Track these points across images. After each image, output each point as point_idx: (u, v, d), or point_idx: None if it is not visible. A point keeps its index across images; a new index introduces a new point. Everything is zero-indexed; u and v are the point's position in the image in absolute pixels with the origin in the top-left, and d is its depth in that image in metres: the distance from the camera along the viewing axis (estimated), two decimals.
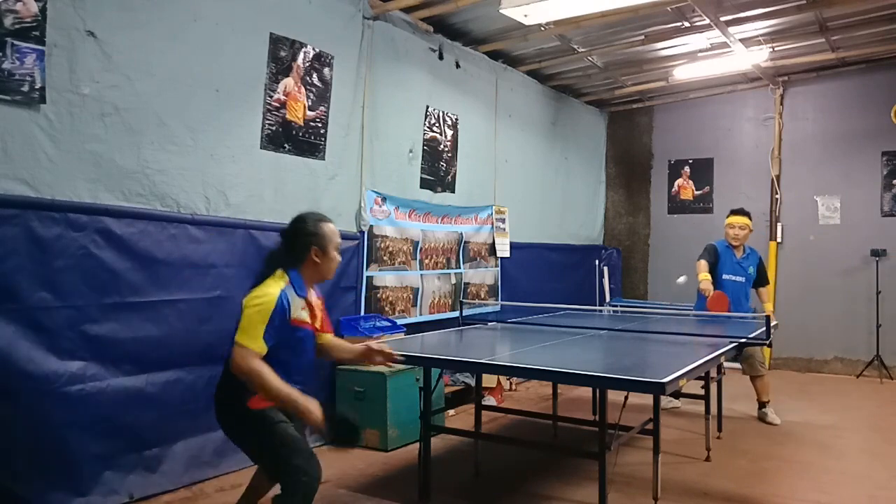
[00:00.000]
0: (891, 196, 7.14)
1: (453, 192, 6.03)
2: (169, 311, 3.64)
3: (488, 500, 3.67)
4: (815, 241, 7.48)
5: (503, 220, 6.70)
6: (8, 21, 2.95)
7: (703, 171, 8.23)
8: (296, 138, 4.43)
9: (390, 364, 2.99)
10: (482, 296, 6.38)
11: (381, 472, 4.05)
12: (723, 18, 5.48)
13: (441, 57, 5.78)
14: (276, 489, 2.57)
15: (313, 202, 4.56)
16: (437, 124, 5.80)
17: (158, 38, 3.58)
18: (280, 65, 4.29)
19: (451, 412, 5.28)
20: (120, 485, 3.38)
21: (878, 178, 7.19)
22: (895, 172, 7.12)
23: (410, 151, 5.53)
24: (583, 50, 6.49)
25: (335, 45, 4.68)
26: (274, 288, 2.49)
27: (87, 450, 3.24)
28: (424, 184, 5.69)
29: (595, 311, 6.25)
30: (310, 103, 4.52)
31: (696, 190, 8.27)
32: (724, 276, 5.25)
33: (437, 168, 5.83)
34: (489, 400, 5.60)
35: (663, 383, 2.55)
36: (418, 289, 5.57)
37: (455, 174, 6.05)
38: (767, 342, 3.92)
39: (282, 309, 2.46)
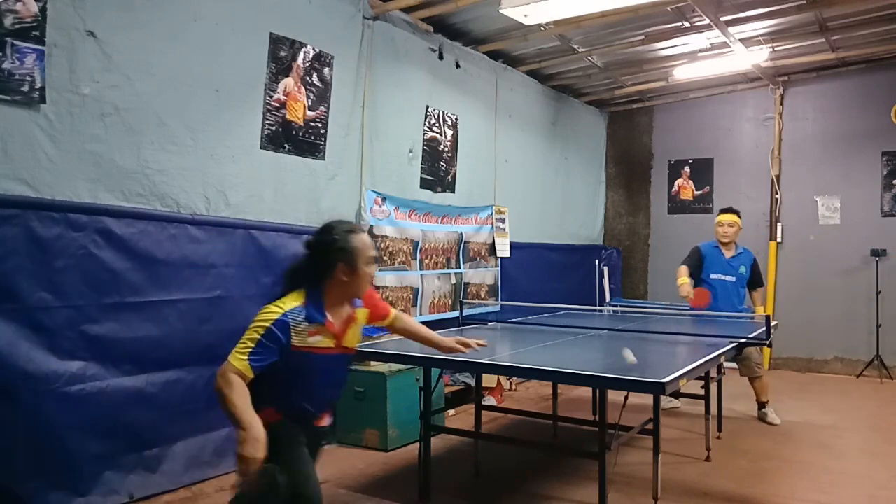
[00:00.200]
0: (891, 196, 7.14)
1: (453, 192, 6.03)
2: (169, 311, 3.64)
3: (488, 500, 3.67)
4: (815, 241, 7.48)
5: (503, 220, 6.70)
6: (8, 21, 2.95)
7: (703, 171, 8.23)
8: (296, 138, 4.43)
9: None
10: (482, 296, 6.38)
11: (381, 472, 4.05)
12: (723, 18, 5.48)
13: (441, 57, 5.78)
14: None
15: (313, 202, 4.57)
16: (437, 124, 5.80)
17: (158, 38, 3.58)
18: (280, 65, 4.29)
19: (451, 412, 5.28)
20: (120, 485, 3.38)
21: (878, 178, 7.19)
22: (895, 172, 7.12)
23: (410, 151, 5.53)
24: (583, 50, 6.49)
25: (335, 45, 4.68)
26: (278, 309, 2.22)
27: (87, 450, 3.24)
28: (424, 184, 5.69)
29: (595, 311, 6.25)
30: (310, 103, 4.52)
31: (696, 190, 8.27)
32: (713, 276, 5.26)
33: (437, 168, 5.83)
34: (489, 400, 5.60)
35: (663, 383, 2.55)
36: (418, 289, 5.57)
37: (455, 174, 6.05)
38: (767, 342, 3.92)
39: (277, 336, 2.18)
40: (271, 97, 4.24)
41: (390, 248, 5.28)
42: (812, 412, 5.56)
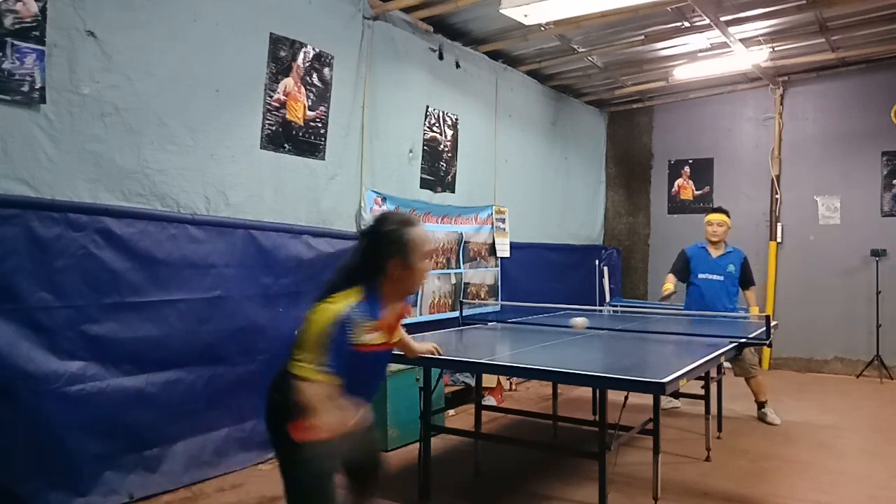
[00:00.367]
0: (891, 196, 7.14)
1: (453, 192, 6.03)
2: (169, 311, 3.64)
3: (488, 500, 3.67)
4: (815, 241, 7.48)
5: (503, 220, 6.70)
6: (8, 21, 2.95)
7: (703, 171, 8.23)
8: (296, 138, 4.43)
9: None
10: (482, 296, 6.38)
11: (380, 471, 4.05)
12: (723, 18, 5.48)
13: (441, 57, 5.78)
14: None
15: (313, 202, 4.57)
16: (437, 124, 5.80)
17: (158, 38, 3.58)
18: (280, 65, 4.29)
19: (451, 412, 5.28)
20: (120, 485, 3.38)
21: (878, 178, 7.19)
22: (895, 172, 7.12)
23: (410, 151, 5.53)
24: (583, 50, 6.49)
25: (335, 45, 4.68)
26: (338, 307, 2.07)
27: (87, 450, 3.24)
28: (424, 184, 5.69)
29: (595, 311, 6.24)
30: (310, 103, 4.51)
31: (696, 190, 8.27)
32: (700, 276, 5.33)
33: (437, 168, 5.83)
34: (489, 400, 5.60)
35: (663, 383, 2.55)
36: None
37: (455, 174, 6.05)
38: (767, 342, 3.92)
39: (343, 334, 2.05)
40: (271, 97, 4.24)
41: None
42: (812, 412, 5.56)
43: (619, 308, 6.31)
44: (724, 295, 5.25)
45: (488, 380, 5.55)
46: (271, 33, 4.22)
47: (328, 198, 4.69)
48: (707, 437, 4.33)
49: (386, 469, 2.58)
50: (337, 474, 2.24)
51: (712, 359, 3.28)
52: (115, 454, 3.37)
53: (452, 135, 5.99)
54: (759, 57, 6.32)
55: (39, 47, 3.06)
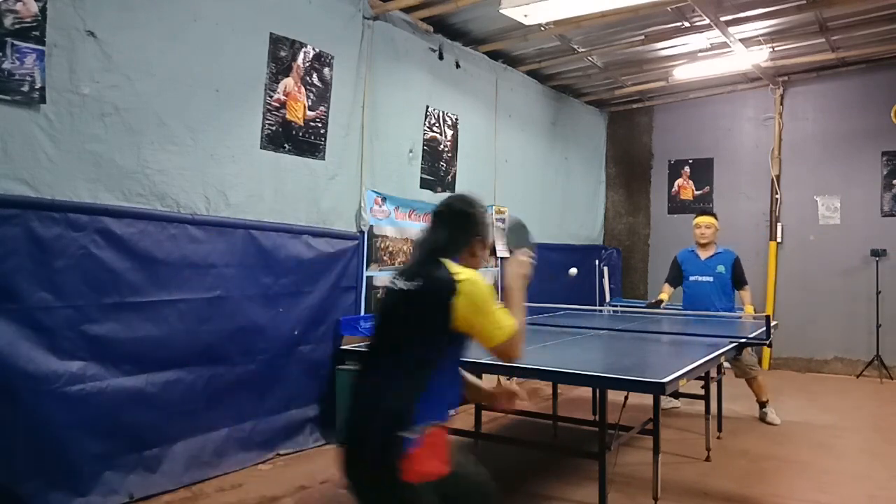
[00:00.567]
0: (891, 196, 7.14)
1: (453, 192, 6.03)
2: (169, 311, 3.64)
3: None
4: (815, 241, 7.48)
5: (503, 221, 6.70)
6: (8, 21, 2.95)
7: (703, 171, 8.23)
8: (296, 138, 4.43)
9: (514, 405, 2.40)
10: None
11: None
12: (723, 18, 5.48)
13: (441, 57, 5.78)
14: None
15: (313, 202, 4.57)
16: (437, 124, 5.80)
17: (158, 38, 3.58)
18: (280, 65, 4.29)
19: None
20: (120, 485, 3.38)
21: (878, 178, 7.19)
22: (895, 172, 7.12)
23: (410, 151, 5.53)
24: (583, 50, 6.49)
25: (335, 45, 4.68)
26: (475, 274, 2.00)
27: (87, 450, 3.24)
28: (424, 184, 5.69)
29: (595, 311, 6.24)
30: (310, 103, 4.51)
31: (696, 190, 8.27)
32: (691, 278, 5.41)
33: (437, 168, 5.83)
34: None
35: (663, 383, 2.55)
36: None
37: (455, 174, 6.05)
38: (767, 342, 3.92)
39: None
40: (271, 97, 4.24)
41: (390, 248, 5.28)
42: (812, 412, 5.56)
43: (619, 308, 6.32)
44: (715, 296, 5.28)
45: (488, 380, 5.54)
46: (271, 33, 4.22)
47: (328, 198, 4.68)
48: (707, 437, 4.32)
49: None
50: None
51: (712, 359, 3.28)
52: (115, 454, 3.37)
53: (452, 135, 5.99)
54: (759, 57, 6.32)
55: (39, 47, 3.06)
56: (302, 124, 4.46)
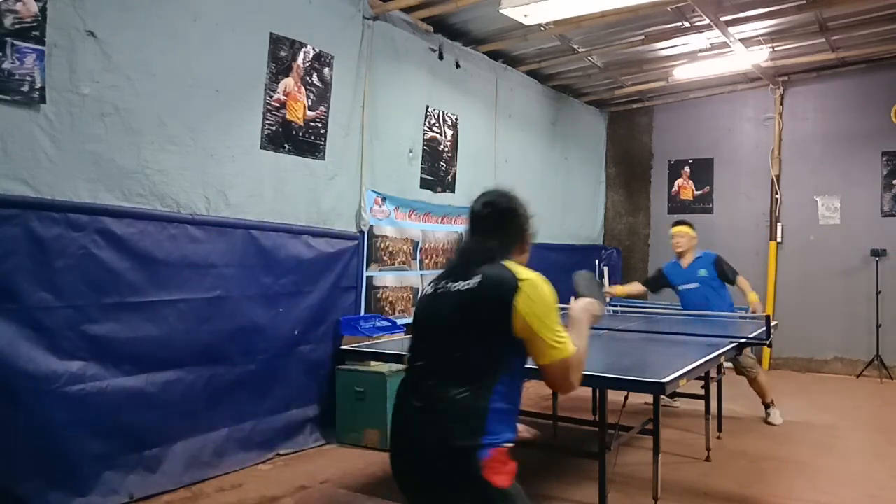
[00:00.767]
0: (891, 196, 7.14)
1: (453, 192, 6.03)
2: (169, 311, 3.64)
3: None
4: (815, 241, 7.48)
5: None
6: (8, 21, 2.95)
7: (703, 171, 8.23)
8: (296, 138, 4.43)
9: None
10: None
11: (381, 472, 4.05)
12: (723, 18, 5.48)
13: (441, 57, 5.78)
14: None
15: (313, 202, 4.57)
16: (437, 124, 5.80)
17: (158, 38, 3.58)
18: (280, 65, 4.29)
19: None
20: (120, 485, 3.38)
21: (878, 178, 7.19)
22: (895, 172, 7.12)
23: (410, 151, 5.53)
24: (583, 50, 6.48)
25: (335, 45, 4.68)
26: (538, 277, 1.91)
27: (87, 450, 3.24)
28: (424, 184, 5.69)
29: None
30: (310, 103, 4.52)
31: (696, 190, 8.27)
32: (680, 288, 5.43)
33: (437, 168, 5.83)
34: None
35: (663, 383, 2.55)
36: (418, 289, 5.57)
37: (455, 174, 6.05)
38: (767, 342, 3.92)
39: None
40: (271, 97, 4.24)
41: (390, 248, 5.28)
42: (812, 412, 5.56)
43: (619, 308, 6.31)
44: (707, 299, 5.27)
45: None
46: (271, 33, 4.22)
47: (328, 198, 4.69)
48: (707, 437, 4.32)
49: None
50: None
51: (712, 359, 3.28)
52: (115, 454, 3.37)
53: (452, 135, 5.99)
54: (759, 57, 6.32)
55: (39, 47, 3.06)
56: (302, 124, 4.46)
